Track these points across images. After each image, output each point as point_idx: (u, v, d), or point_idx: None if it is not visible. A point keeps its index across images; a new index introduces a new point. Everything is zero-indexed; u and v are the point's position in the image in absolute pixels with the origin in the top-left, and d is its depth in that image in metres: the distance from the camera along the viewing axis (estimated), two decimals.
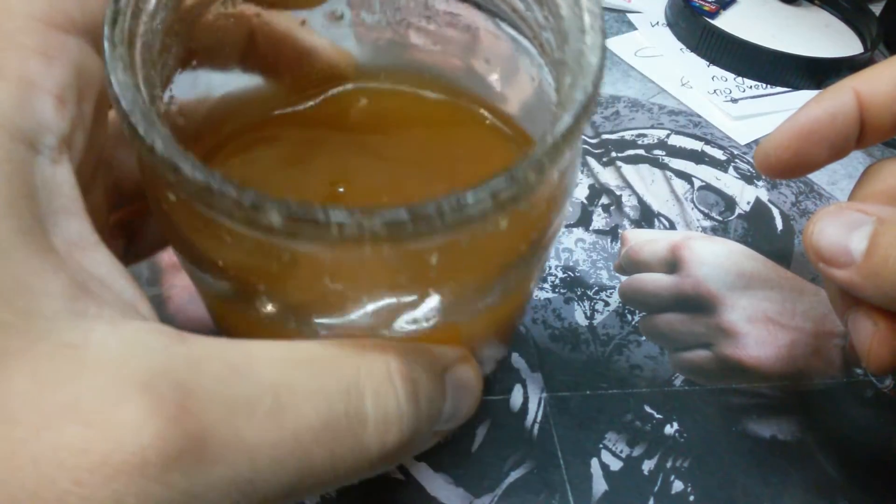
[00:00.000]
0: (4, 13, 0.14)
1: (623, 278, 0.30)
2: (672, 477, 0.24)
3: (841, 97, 0.23)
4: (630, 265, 0.31)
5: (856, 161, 0.38)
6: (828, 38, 0.45)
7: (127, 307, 0.13)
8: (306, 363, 0.14)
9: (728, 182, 0.36)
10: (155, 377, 0.12)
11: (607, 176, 0.35)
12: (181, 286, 0.27)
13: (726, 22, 0.44)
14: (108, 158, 0.17)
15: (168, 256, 0.28)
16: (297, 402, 0.13)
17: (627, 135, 0.38)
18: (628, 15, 0.47)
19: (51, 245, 0.13)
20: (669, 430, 0.26)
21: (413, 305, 0.16)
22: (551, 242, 0.18)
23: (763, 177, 0.36)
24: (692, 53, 0.44)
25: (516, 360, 0.27)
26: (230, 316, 0.18)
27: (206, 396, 0.12)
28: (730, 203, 0.35)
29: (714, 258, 0.32)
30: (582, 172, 0.35)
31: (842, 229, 0.20)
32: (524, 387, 0.26)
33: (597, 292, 0.30)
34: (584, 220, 0.33)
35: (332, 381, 0.14)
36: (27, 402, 0.11)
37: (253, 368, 0.13)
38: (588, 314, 0.29)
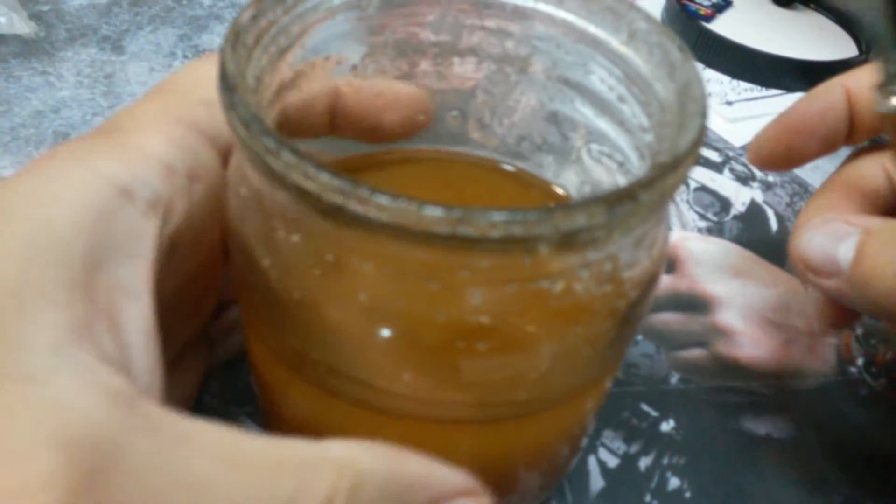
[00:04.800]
0: (150, 109, 0.16)
1: None
2: (668, 474, 0.25)
3: (832, 95, 0.23)
4: None
5: None
6: (822, 41, 0.46)
7: (117, 360, 0.13)
8: (242, 466, 0.13)
9: (723, 183, 0.36)
10: (80, 439, 0.11)
11: None
12: None
13: (721, 26, 0.45)
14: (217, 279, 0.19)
15: None
16: None
17: None
18: None
19: (90, 280, 0.13)
20: (666, 427, 0.26)
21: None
22: (641, 316, 0.17)
23: (757, 177, 0.37)
24: None
25: None
26: (282, 379, 0.18)
27: (123, 476, 0.11)
28: (725, 204, 0.35)
29: (709, 258, 0.32)
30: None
31: (829, 240, 0.20)
32: None
33: None
34: None
35: (261, 498, 0.12)
36: None
37: (184, 458, 0.12)
38: None
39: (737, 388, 0.28)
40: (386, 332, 0.14)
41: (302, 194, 0.12)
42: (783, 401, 0.27)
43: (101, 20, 0.41)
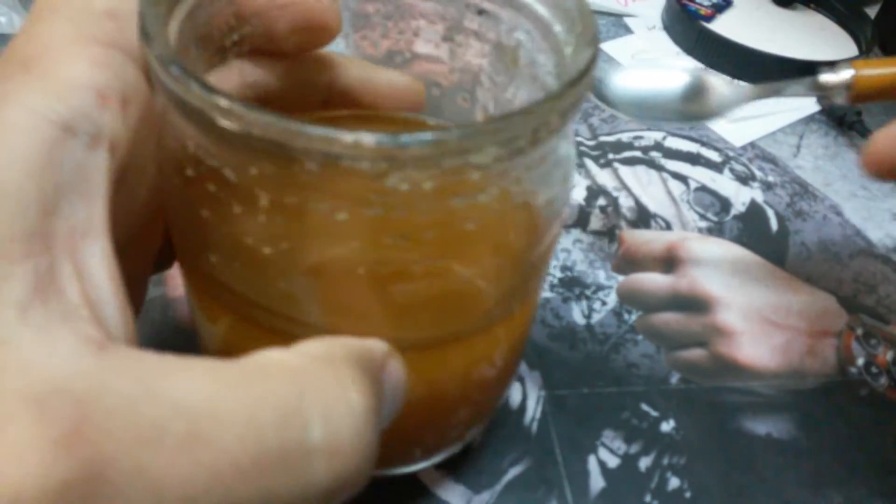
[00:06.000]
0: (57, 31, 0.14)
1: (620, 278, 0.31)
2: (668, 474, 0.25)
3: None
4: (627, 265, 0.31)
5: (849, 162, 0.38)
6: (823, 41, 0.46)
7: (84, 308, 0.12)
8: (237, 383, 0.12)
9: (723, 183, 0.36)
10: (54, 392, 0.10)
11: (604, 178, 0.35)
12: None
13: (722, 25, 0.45)
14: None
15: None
16: (219, 432, 0.11)
17: (624, 137, 0.38)
18: (625, 19, 0.47)
19: (47, 227, 0.12)
20: (666, 427, 0.26)
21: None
22: (555, 240, 0.18)
23: (757, 177, 0.37)
24: (688, 57, 0.45)
25: None
26: (221, 321, 0.18)
27: (108, 420, 0.11)
28: (725, 204, 0.35)
29: (710, 258, 0.32)
30: (579, 174, 0.35)
31: None
32: (523, 385, 0.27)
33: (594, 292, 0.30)
34: (581, 221, 0.33)
35: (266, 407, 0.12)
36: None
37: (172, 387, 0.11)
38: (586, 313, 0.29)
39: (737, 388, 0.28)
40: (274, 254, 0.15)
41: (202, 120, 0.13)
42: (783, 401, 0.27)
43: None
